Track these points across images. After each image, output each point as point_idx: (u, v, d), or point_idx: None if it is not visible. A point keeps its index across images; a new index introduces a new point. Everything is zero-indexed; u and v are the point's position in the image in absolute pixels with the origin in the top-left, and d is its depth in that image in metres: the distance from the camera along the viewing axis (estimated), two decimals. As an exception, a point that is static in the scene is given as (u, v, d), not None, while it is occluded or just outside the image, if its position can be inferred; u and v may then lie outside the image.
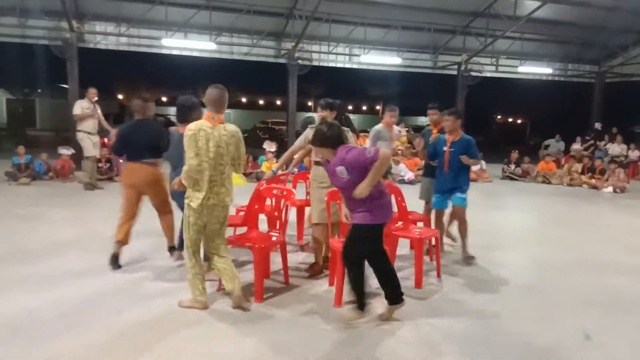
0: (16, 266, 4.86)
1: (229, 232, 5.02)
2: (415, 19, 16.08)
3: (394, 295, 3.81)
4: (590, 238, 7.09)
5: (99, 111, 9.83)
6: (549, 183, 13.21)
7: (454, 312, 4.08)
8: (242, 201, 5.60)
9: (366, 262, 3.77)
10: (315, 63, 16.83)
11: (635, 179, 14.40)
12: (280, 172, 5.56)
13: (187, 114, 4.58)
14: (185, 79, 31.06)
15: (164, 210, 5.10)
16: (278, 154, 11.55)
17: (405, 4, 15.12)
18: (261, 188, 4.93)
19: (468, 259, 5.39)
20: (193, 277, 3.90)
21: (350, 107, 43.06)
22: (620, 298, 4.57)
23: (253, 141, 21.84)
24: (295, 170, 7.41)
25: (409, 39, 17.03)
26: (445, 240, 5.87)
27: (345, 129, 4.80)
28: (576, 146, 16.10)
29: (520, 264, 5.65)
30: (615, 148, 15.56)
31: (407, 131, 15.70)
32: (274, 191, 4.98)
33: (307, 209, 5.82)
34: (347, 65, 17.80)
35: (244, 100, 45.86)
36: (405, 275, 4.86)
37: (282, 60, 16.45)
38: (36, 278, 4.52)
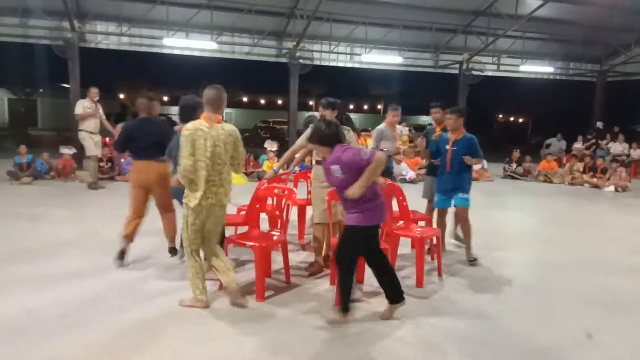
0: (17, 266, 4.86)
1: (230, 231, 5.03)
2: (417, 18, 16.07)
3: (395, 295, 3.81)
4: (592, 237, 7.07)
5: (101, 111, 9.86)
6: (551, 182, 13.19)
7: (454, 311, 4.07)
8: (244, 200, 5.60)
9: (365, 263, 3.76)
10: (317, 62, 16.82)
11: (637, 178, 14.36)
12: (281, 171, 5.56)
13: (190, 114, 4.58)
14: (187, 79, 31.16)
15: (167, 209, 5.09)
16: (279, 153, 11.55)
17: (407, 3, 15.12)
18: (262, 187, 4.92)
19: (471, 262, 5.35)
20: (193, 276, 3.90)
21: (351, 107, 43.11)
22: (621, 298, 4.55)
23: (254, 140, 21.89)
24: (297, 169, 7.41)
25: (410, 38, 17.03)
26: (453, 241, 5.85)
27: (346, 128, 4.81)
28: (578, 145, 16.07)
29: (522, 263, 5.64)
30: (617, 147, 15.54)
31: (409, 130, 15.70)
32: (275, 190, 4.98)
33: (308, 208, 5.81)
34: (349, 65, 17.81)
35: (245, 99, 45.96)
36: (406, 274, 4.86)
37: (283, 60, 16.44)
38: (37, 278, 4.52)
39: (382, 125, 6.26)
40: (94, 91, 9.73)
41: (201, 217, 3.83)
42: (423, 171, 11.36)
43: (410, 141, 14.84)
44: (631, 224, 8.24)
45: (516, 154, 14.25)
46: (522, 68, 18.74)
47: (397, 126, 6.34)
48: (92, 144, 9.64)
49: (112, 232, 5.95)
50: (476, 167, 10.52)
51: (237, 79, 33.23)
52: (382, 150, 6.09)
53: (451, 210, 5.55)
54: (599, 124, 17.61)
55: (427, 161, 6.05)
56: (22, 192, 9.27)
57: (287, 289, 4.43)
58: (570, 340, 3.62)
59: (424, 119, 38.57)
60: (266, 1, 14.66)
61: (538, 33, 17.29)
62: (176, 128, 4.81)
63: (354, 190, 3.47)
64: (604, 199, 10.83)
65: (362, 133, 8.61)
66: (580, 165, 13.39)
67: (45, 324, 3.59)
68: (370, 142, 6.35)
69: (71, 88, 13.76)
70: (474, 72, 17.50)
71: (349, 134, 4.81)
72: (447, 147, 5.36)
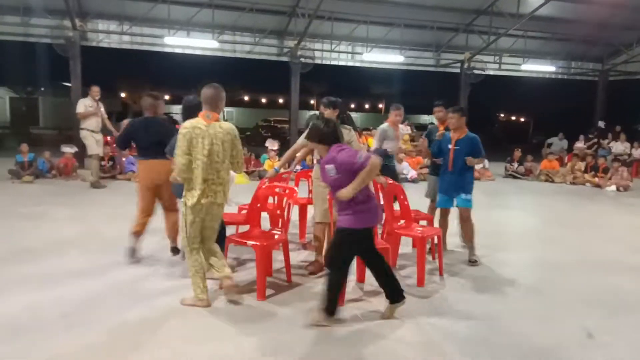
0: (18, 265, 4.86)
1: (232, 230, 5.03)
2: (418, 17, 16.04)
3: (395, 294, 3.80)
4: (593, 237, 7.06)
5: (102, 109, 9.87)
6: (552, 181, 13.16)
7: (455, 311, 4.06)
8: (245, 199, 5.60)
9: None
10: (318, 61, 16.81)
11: (639, 177, 14.33)
12: (282, 170, 5.55)
13: (193, 113, 4.57)
14: (188, 77, 31.09)
15: (171, 208, 5.08)
16: (280, 152, 11.55)
17: (408, 2, 15.10)
18: (263, 186, 4.92)
19: (472, 263, 5.34)
20: (194, 275, 3.91)
21: (352, 106, 43.09)
22: (622, 298, 4.55)
23: (255, 139, 21.89)
24: (298, 168, 7.41)
25: (411, 37, 17.01)
26: (459, 242, 5.84)
27: (347, 127, 4.81)
28: (579, 144, 16.05)
29: (523, 263, 5.63)
30: (619, 146, 15.51)
31: (411, 129, 15.70)
32: (277, 189, 4.97)
33: (309, 208, 5.81)
34: (350, 64, 17.80)
35: (246, 98, 45.99)
36: (407, 273, 4.86)
37: (284, 59, 16.43)
38: (37, 277, 4.52)
39: (384, 125, 6.25)
40: (95, 90, 9.74)
41: (200, 215, 3.84)
42: (424, 170, 11.38)
43: (412, 140, 14.86)
44: (633, 223, 8.23)
45: (517, 153, 14.23)
46: (524, 67, 18.70)
47: (400, 125, 6.33)
48: (94, 143, 9.65)
49: (113, 231, 5.97)
50: (477, 166, 10.52)
51: (239, 77, 33.24)
52: (385, 150, 6.10)
53: (455, 213, 5.52)
54: (601, 124, 17.58)
55: (430, 160, 6.03)
56: (23, 190, 9.28)
57: (288, 288, 4.44)
58: (570, 340, 3.62)
59: (425, 118, 38.58)
60: (267, 0, 14.65)
61: (540, 32, 17.26)
62: (178, 127, 4.80)
63: (346, 192, 3.46)
64: (606, 199, 10.81)
65: (363, 132, 8.61)
66: (581, 165, 13.36)
67: (45, 323, 3.59)
68: (374, 142, 6.35)
69: (72, 87, 13.75)
70: (476, 71, 17.47)
71: (350, 133, 4.81)
72: (450, 146, 5.34)
